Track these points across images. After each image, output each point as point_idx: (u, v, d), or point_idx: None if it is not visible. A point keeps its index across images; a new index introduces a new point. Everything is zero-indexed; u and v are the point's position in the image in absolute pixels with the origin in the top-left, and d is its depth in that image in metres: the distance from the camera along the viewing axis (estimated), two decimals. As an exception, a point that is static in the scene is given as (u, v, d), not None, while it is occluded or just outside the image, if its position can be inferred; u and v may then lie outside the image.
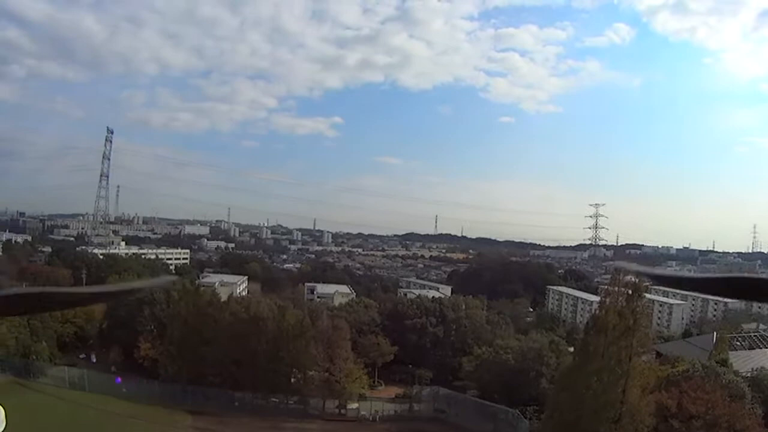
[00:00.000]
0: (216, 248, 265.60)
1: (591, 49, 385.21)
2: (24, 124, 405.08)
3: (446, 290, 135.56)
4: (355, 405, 70.65)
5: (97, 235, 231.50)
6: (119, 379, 72.45)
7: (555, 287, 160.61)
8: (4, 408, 4.39)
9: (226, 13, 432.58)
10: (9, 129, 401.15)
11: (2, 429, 4.48)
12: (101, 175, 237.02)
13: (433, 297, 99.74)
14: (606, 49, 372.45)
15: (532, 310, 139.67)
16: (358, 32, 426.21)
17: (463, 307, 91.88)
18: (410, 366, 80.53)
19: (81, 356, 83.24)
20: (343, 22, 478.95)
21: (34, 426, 57.49)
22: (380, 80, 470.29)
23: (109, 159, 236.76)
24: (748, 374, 58.38)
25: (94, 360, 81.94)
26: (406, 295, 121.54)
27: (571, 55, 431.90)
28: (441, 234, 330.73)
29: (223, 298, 79.47)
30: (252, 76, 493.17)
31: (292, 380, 70.49)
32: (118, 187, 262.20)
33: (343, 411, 70.21)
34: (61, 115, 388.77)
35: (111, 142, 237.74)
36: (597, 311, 52.98)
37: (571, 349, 63.26)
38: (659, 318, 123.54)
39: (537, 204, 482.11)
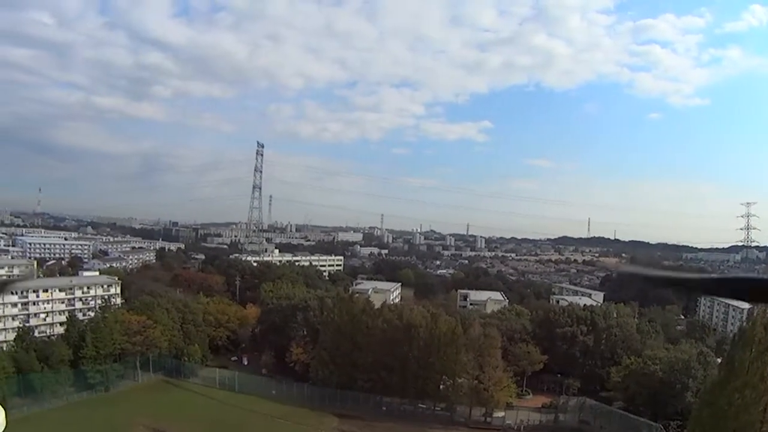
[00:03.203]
0: (369, 254, 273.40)
1: (731, 35, 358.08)
2: (174, 140, 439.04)
3: (598, 297, 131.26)
4: (501, 413, 70.67)
5: (251, 243, 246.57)
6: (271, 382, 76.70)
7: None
8: (4, 409, 4.86)
9: (365, 24, 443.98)
10: (160, 145, 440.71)
11: (2, 430, 5.03)
12: (254, 187, 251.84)
13: (584, 305, 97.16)
14: (746, 33, 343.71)
15: (683, 317, 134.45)
16: (498, 34, 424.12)
17: (614, 315, 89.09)
18: (559, 375, 79.46)
19: (232, 359, 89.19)
20: (482, 25, 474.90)
21: (181, 421, 62.14)
22: (524, 82, 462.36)
23: (260, 171, 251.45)
24: None
25: (246, 362, 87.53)
26: (558, 302, 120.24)
27: (712, 43, 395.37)
28: (594, 237, 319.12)
29: (377, 304, 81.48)
30: (397, 85, 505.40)
31: (441, 387, 71.33)
32: (271, 196, 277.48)
33: (488, 419, 70.29)
34: (210, 131, 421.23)
35: (262, 155, 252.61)
36: (744, 323, 49.67)
37: (719, 361, 60.73)
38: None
39: (688, 204, 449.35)
